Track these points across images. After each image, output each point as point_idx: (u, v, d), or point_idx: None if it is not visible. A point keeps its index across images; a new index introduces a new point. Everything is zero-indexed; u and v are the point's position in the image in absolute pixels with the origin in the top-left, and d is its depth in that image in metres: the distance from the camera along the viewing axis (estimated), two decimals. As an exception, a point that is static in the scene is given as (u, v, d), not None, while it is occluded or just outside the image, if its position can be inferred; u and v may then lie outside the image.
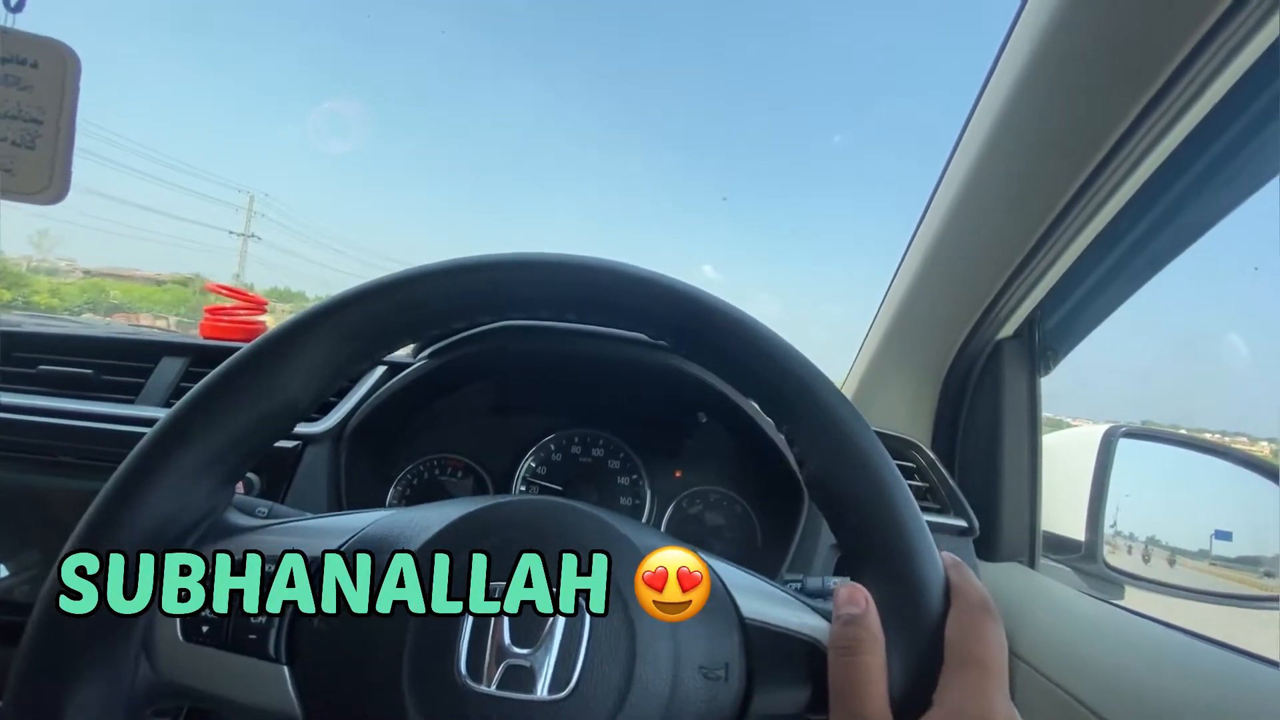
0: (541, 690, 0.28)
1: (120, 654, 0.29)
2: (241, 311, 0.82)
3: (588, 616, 0.30)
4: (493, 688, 0.28)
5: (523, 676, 0.28)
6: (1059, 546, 0.83)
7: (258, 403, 0.32)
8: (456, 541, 0.32)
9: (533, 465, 0.78)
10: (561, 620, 0.29)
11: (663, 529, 0.77)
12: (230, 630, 0.30)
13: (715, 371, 0.37)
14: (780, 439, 0.67)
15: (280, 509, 0.45)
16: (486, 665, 0.28)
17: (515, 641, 0.29)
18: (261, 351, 0.33)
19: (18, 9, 0.49)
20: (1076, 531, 0.82)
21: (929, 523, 0.33)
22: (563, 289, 0.36)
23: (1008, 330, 0.75)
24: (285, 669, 0.30)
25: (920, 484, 0.72)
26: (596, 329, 0.68)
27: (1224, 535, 0.83)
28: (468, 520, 0.33)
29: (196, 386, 0.32)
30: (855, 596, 0.31)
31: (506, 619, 0.29)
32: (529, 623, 0.29)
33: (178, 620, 0.30)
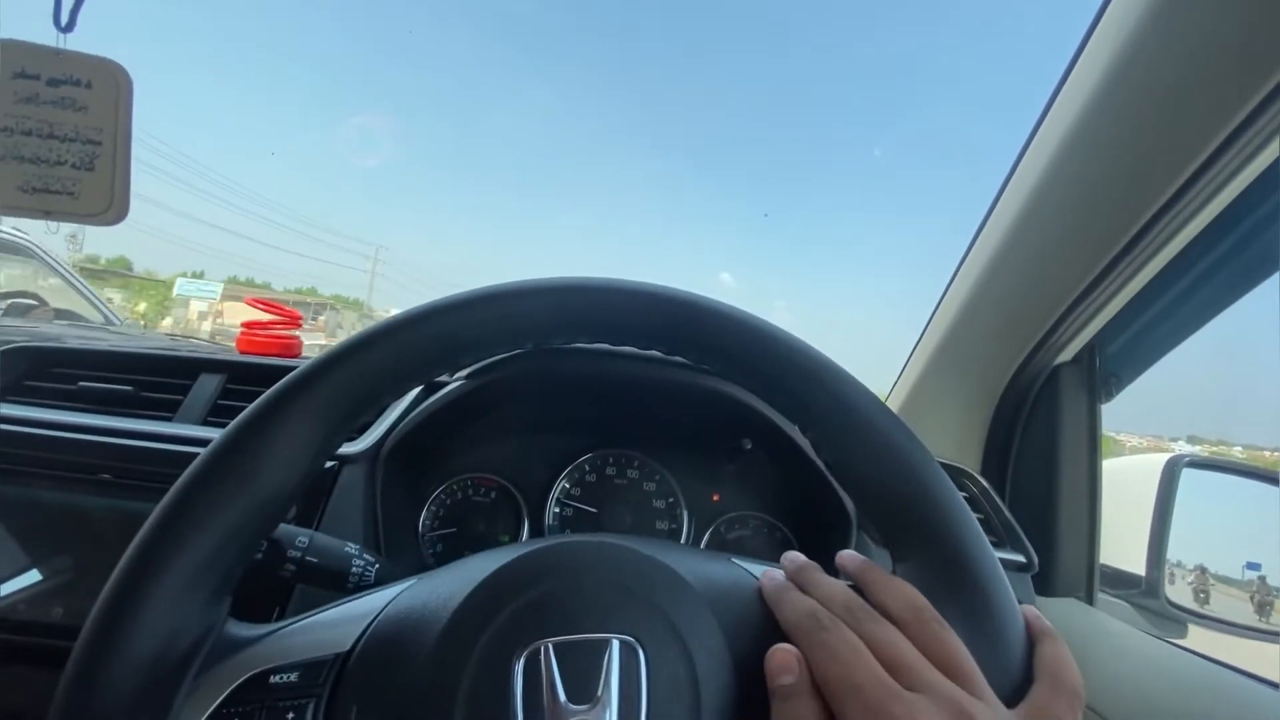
0: None
1: None
2: (277, 326, 0.82)
3: (642, 657, 0.28)
4: None
5: None
6: (1117, 581, 0.79)
7: (237, 499, 0.29)
8: (489, 605, 0.29)
9: (566, 486, 0.77)
10: (616, 668, 0.27)
11: (683, 545, 0.75)
12: None
13: (744, 385, 0.35)
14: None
15: (320, 539, 0.44)
16: None
17: (572, 699, 0.27)
18: (229, 446, 0.30)
19: (68, 29, 0.49)
20: (1135, 565, 0.78)
21: None
22: (557, 313, 0.34)
23: (1067, 355, 0.72)
24: None
25: (975, 515, 0.69)
26: (630, 350, 0.67)
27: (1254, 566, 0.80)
28: (496, 579, 0.31)
29: (161, 502, 0.29)
30: (788, 662, 0.28)
31: (558, 677, 0.27)
32: (582, 676, 0.27)
33: None
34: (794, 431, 0.66)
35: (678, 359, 0.37)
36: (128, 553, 0.28)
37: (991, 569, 0.29)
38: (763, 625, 0.30)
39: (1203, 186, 0.52)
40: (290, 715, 0.28)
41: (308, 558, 0.44)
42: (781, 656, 0.28)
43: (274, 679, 0.29)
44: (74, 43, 0.50)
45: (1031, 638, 0.29)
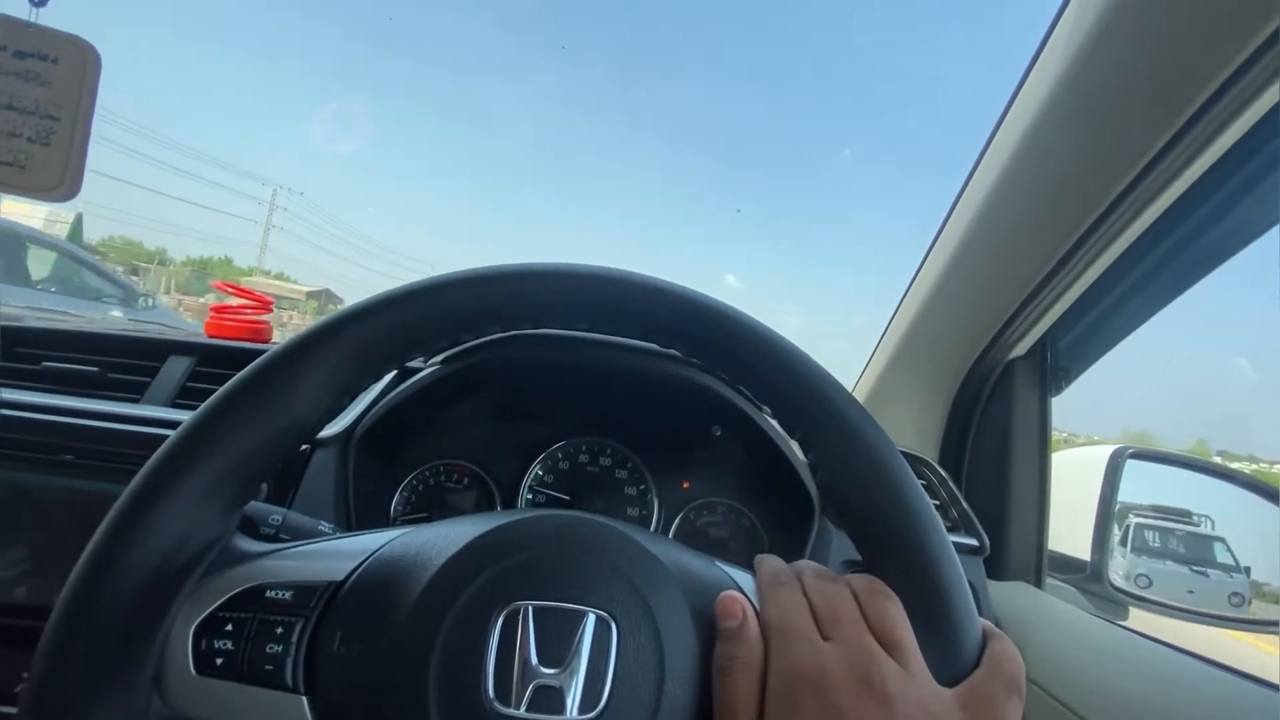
0: (571, 710, 0.27)
1: (132, 686, 0.28)
2: (247, 310, 0.81)
3: (615, 633, 0.29)
4: (522, 709, 0.27)
5: (552, 697, 0.28)
6: (1064, 566, 0.83)
7: (264, 424, 0.31)
8: (478, 562, 0.31)
9: (539, 473, 0.77)
10: (588, 639, 0.29)
11: (670, 538, 0.76)
12: (245, 661, 0.29)
13: (728, 377, 0.37)
14: (794, 454, 0.67)
15: (294, 518, 0.45)
16: (515, 687, 0.28)
17: (542, 661, 0.28)
18: (267, 370, 0.32)
19: (41, 3, 0.49)
20: (1081, 551, 0.82)
21: None
22: (573, 298, 0.36)
23: (1020, 350, 0.75)
24: (304, 699, 0.29)
25: (932, 501, 0.72)
26: (606, 338, 0.68)
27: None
28: (487, 539, 0.32)
29: (199, 409, 0.31)
30: (732, 608, 0.30)
31: (533, 638, 0.29)
32: (555, 642, 0.29)
33: (190, 653, 0.29)
34: (761, 419, 0.67)
35: (650, 346, 0.38)
36: (154, 455, 0.30)
37: (959, 586, 0.31)
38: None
39: (1144, 190, 0.56)
40: (279, 629, 0.29)
41: (281, 534, 0.44)
42: (729, 601, 0.31)
43: (269, 594, 0.30)
44: (52, 19, 0.49)
45: (984, 638, 0.31)
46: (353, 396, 0.35)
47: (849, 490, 0.33)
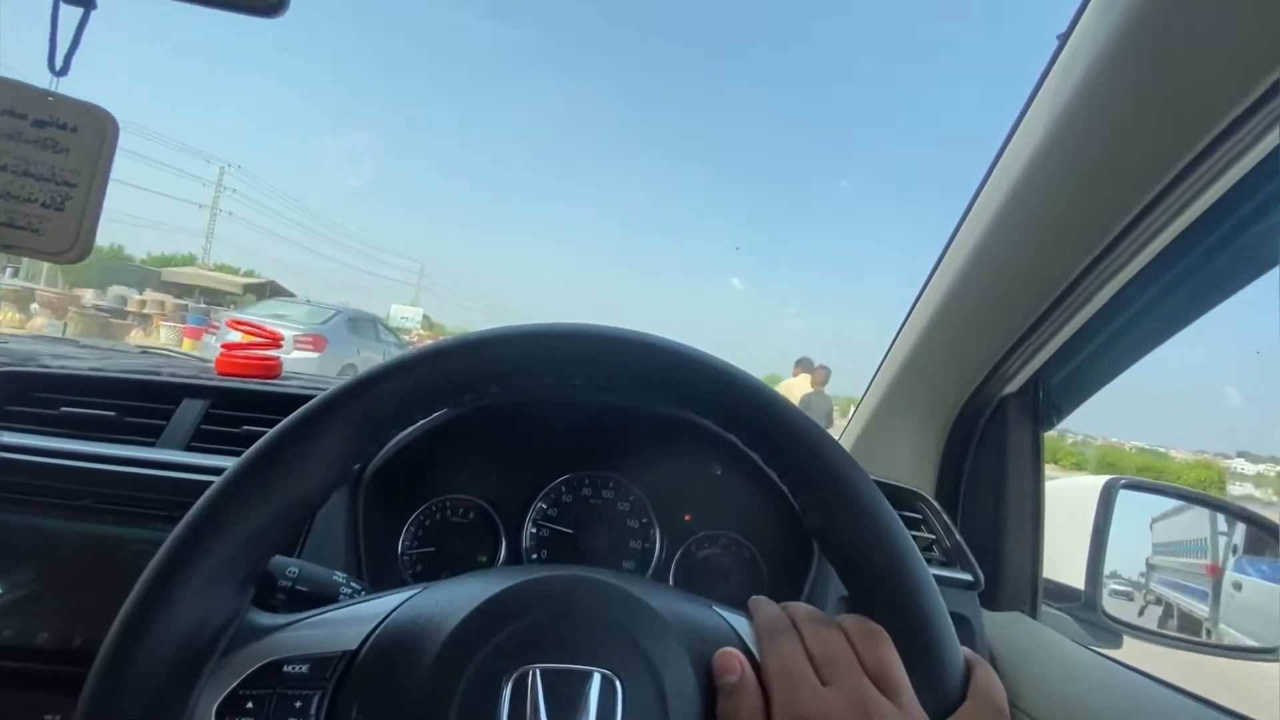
0: None
1: None
2: (257, 348, 0.83)
3: (620, 691, 0.31)
4: None
5: None
6: (1059, 595, 0.84)
7: (273, 503, 0.32)
8: (487, 626, 0.32)
9: (543, 507, 0.79)
10: (594, 698, 0.30)
11: (672, 572, 0.78)
12: None
13: (719, 425, 0.38)
14: None
15: (309, 570, 0.46)
16: None
17: (551, 716, 0.30)
18: (272, 450, 0.33)
19: (62, 73, 0.50)
20: (1076, 580, 0.84)
21: (934, 575, 0.34)
22: (568, 358, 0.37)
23: (1013, 387, 0.77)
24: None
25: (926, 535, 0.73)
26: None
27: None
28: (495, 603, 0.33)
29: (206, 493, 0.32)
30: (730, 663, 0.32)
31: (542, 700, 0.30)
32: (563, 704, 0.30)
33: None
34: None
35: None
36: (171, 537, 0.31)
37: (942, 622, 0.33)
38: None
39: (1137, 237, 0.57)
40: (299, 704, 0.31)
41: (298, 586, 0.46)
42: (727, 658, 0.32)
43: (287, 668, 0.32)
44: (70, 80, 0.51)
45: (968, 668, 0.33)
46: (361, 464, 0.37)
47: (837, 533, 0.35)
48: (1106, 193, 0.57)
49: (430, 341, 0.38)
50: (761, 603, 0.37)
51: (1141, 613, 0.84)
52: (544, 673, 0.31)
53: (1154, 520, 0.85)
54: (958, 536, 0.72)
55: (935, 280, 0.74)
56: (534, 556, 0.77)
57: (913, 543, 0.35)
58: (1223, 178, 0.51)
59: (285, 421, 0.34)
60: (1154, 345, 0.65)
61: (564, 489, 0.80)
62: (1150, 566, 0.86)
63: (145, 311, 13.34)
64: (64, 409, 0.66)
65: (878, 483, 0.36)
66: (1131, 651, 0.78)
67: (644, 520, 0.79)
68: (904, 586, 0.33)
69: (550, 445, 0.80)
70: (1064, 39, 0.54)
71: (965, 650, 0.34)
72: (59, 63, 0.50)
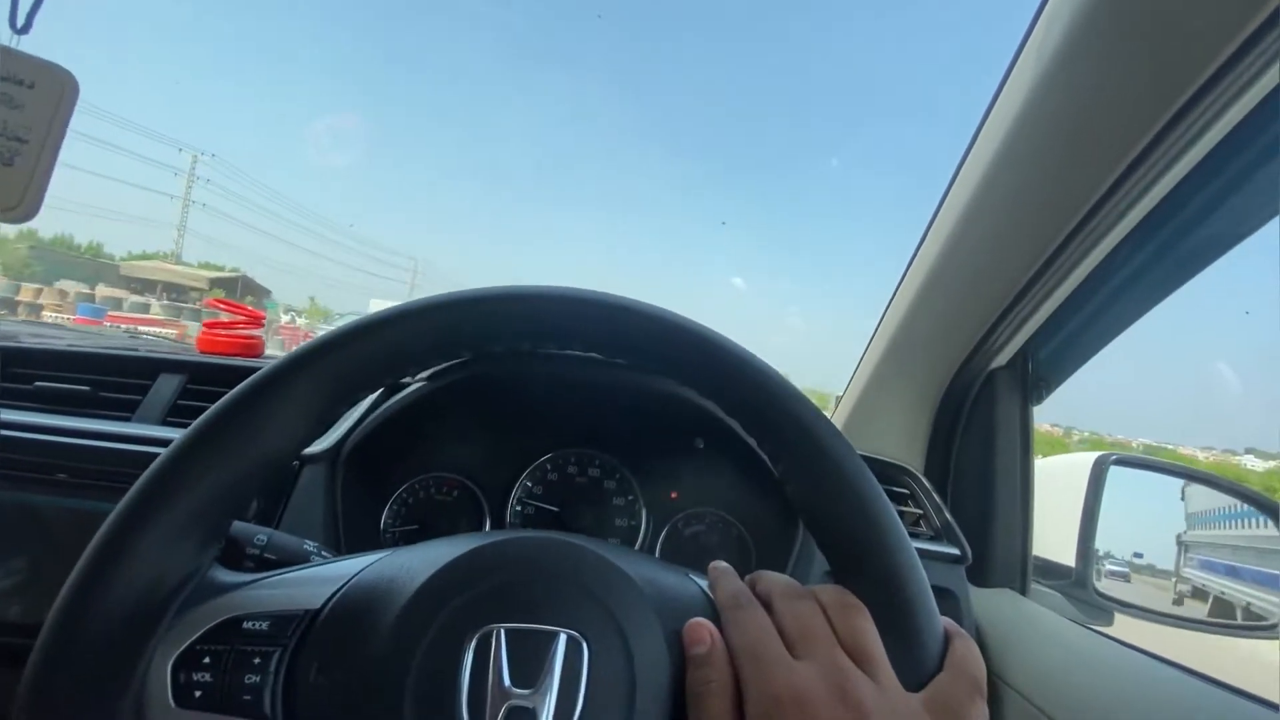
0: None
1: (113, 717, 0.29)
2: (239, 326, 0.82)
3: (586, 653, 0.30)
4: None
5: (525, 718, 0.28)
6: (1050, 572, 0.83)
7: (237, 458, 0.32)
8: (451, 586, 0.31)
9: (529, 485, 0.78)
10: (560, 660, 0.29)
11: (658, 549, 0.77)
12: (223, 692, 0.29)
13: (699, 393, 0.37)
14: None
15: (279, 538, 0.45)
16: (489, 709, 0.28)
17: (515, 682, 0.29)
18: (238, 405, 0.32)
19: (24, 31, 0.49)
20: (1067, 557, 0.83)
21: (922, 549, 0.33)
22: (542, 320, 0.36)
23: (1001, 360, 0.76)
24: None
25: (914, 510, 0.73)
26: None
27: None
28: (460, 563, 0.33)
29: (170, 446, 0.31)
30: (700, 633, 0.31)
31: (505, 661, 0.29)
32: (528, 663, 0.29)
33: (169, 685, 0.29)
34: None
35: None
36: (129, 493, 0.30)
37: (922, 592, 0.32)
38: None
39: (1119, 200, 0.56)
40: (257, 660, 0.30)
41: (266, 554, 0.45)
42: (696, 628, 0.31)
43: (246, 625, 0.31)
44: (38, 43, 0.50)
45: (947, 639, 0.32)
46: (329, 424, 0.36)
47: (817, 503, 0.34)
48: (1086, 157, 0.56)
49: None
50: (721, 573, 0.35)
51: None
52: (508, 632, 0.30)
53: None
54: (946, 513, 0.71)
55: (921, 253, 0.73)
56: (518, 535, 0.76)
57: (893, 511, 0.33)
58: (1202, 139, 0.50)
59: (248, 380, 0.33)
60: (1141, 313, 0.64)
61: (549, 467, 0.79)
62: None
63: (39, 301, 12.79)
64: (38, 384, 0.65)
65: (865, 458, 0.35)
66: (1123, 629, 0.78)
67: (629, 497, 0.79)
68: (883, 554, 0.32)
69: (535, 422, 0.79)
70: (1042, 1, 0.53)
71: (946, 621, 0.33)
72: (20, 20, 0.49)
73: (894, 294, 0.79)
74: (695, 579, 0.36)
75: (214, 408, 0.32)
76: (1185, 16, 0.44)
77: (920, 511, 0.73)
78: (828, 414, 0.40)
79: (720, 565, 0.36)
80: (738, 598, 0.33)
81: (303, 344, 0.35)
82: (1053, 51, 0.53)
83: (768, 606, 0.33)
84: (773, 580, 0.34)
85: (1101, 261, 0.61)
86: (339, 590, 0.33)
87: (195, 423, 0.32)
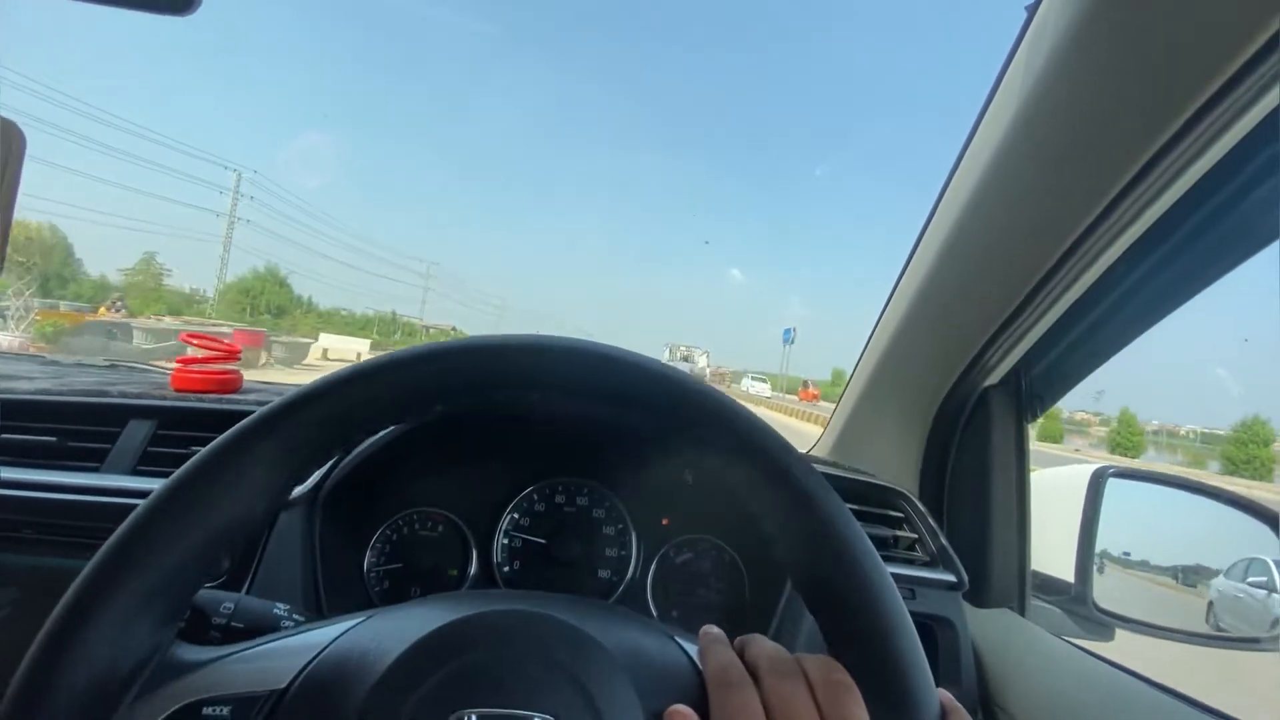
0: None
1: None
2: (214, 362, 0.80)
3: None
4: None
5: None
6: (1049, 587, 0.82)
7: (199, 528, 0.30)
8: (420, 669, 0.30)
9: (515, 517, 0.77)
10: None
11: (649, 578, 0.76)
12: None
13: (684, 443, 0.36)
14: None
15: (246, 603, 0.44)
16: None
17: None
18: (196, 476, 0.31)
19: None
20: (1067, 571, 0.81)
21: (918, 576, 0.32)
22: (519, 372, 0.35)
23: (994, 378, 0.74)
24: None
25: (909, 535, 0.71)
26: None
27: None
28: (430, 642, 0.31)
29: (122, 526, 0.30)
30: None
31: None
32: None
33: None
34: None
35: None
36: (82, 573, 0.29)
37: (918, 665, 0.31)
38: (683, 700, 0.31)
39: (1114, 222, 0.55)
40: None
41: (233, 624, 0.43)
42: (678, 717, 0.30)
43: (207, 710, 0.29)
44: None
45: (943, 713, 0.31)
46: (291, 490, 0.34)
47: (807, 566, 0.33)
48: (1081, 176, 0.54)
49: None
50: (712, 642, 0.34)
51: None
52: (480, 718, 0.29)
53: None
54: (941, 537, 0.70)
55: (911, 269, 0.71)
56: (505, 569, 0.75)
57: (888, 576, 0.32)
58: (1200, 159, 0.49)
59: (209, 446, 0.31)
60: (1137, 333, 0.62)
61: (536, 497, 0.78)
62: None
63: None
64: (4, 435, 0.63)
65: (859, 480, 0.33)
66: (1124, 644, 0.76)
67: (619, 526, 0.77)
68: (877, 626, 0.31)
69: (519, 452, 0.77)
70: (1032, 10, 0.51)
71: (942, 693, 0.32)
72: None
73: (883, 310, 0.77)
74: (682, 643, 0.35)
75: (173, 478, 0.31)
76: (1181, 38, 0.42)
77: (915, 536, 0.71)
78: (819, 427, 0.38)
79: (712, 632, 0.35)
80: (728, 673, 0.32)
81: (267, 405, 0.33)
82: (1044, 60, 0.51)
83: (754, 677, 0.31)
84: (760, 649, 0.33)
85: (1098, 279, 0.60)
86: (307, 666, 0.31)
87: (153, 494, 0.30)
